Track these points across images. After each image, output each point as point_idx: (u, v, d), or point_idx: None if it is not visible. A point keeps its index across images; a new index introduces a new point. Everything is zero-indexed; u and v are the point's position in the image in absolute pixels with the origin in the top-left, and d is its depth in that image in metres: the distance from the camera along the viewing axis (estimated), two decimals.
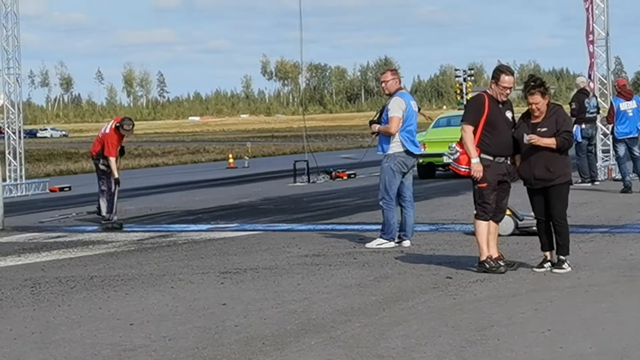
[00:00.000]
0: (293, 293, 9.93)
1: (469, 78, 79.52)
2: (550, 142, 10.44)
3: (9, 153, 27.63)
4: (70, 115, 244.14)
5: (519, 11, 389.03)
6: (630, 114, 20.70)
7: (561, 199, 10.62)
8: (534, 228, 11.43)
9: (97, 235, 16.08)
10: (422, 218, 15.70)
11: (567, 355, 7.11)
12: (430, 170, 27.09)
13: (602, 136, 24.55)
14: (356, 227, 15.69)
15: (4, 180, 24.59)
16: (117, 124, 17.33)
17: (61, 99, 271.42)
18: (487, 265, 10.65)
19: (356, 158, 36.55)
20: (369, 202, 19.59)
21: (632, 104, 20.85)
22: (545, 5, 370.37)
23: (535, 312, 8.63)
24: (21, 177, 27.87)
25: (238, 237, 15.02)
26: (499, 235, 11.21)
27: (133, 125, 17.49)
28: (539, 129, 10.51)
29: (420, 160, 25.46)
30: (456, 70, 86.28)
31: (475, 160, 10.63)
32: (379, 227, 13.47)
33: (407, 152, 13.07)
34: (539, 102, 10.52)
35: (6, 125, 27.76)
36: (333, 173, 28.95)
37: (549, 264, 10.70)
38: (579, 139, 21.86)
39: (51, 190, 28.59)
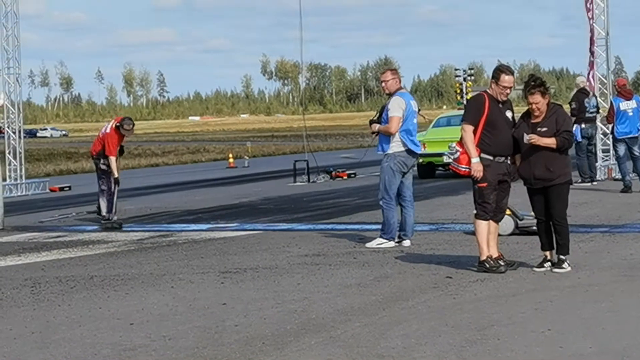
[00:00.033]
0: (293, 293, 9.93)
1: (469, 78, 79.48)
2: (551, 141, 10.44)
3: (9, 153, 27.64)
4: (70, 115, 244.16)
5: (519, 11, 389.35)
6: (630, 114, 20.70)
7: (561, 199, 10.62)
8: (534, 228, 11.43)
9: (97, 235, 16.08)
10: (422, 218, 15.70)
11: (567, 355, 7.11)
12: (430, 170, 27.08)
13: (602, 136, 24.55)
14: (356, 226, 15.69)
15: (4, 180, 24.59)
16: (118, 124, 17.34)
17: (61, 98, 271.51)
18: (487, 265, 10.65)
19: (356, 158, 36.54)
20: (369, 202, 19.59)
21: (632, 104, 20.85)
22: (545, 5, 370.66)
23: (536, 311, 8.63)
24: (21, 176, 27.88)
25: (238, 237, 15.02)
26: (499, 234, 11.21)
27: (133, 125, 17.50)
28: (539, 129, 10.51)
29: (420, 160, 25.46)
30: (456, 70, 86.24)
31: (475, 159, 10.63)
32: (379, 226, 13.47)
33: (408, 151, 13.07)
34: (539, 101, 10.52)
35: (6, 125, 27.77)
36: (333, 173, 28.95)
37: (549, 263, 10.70)
38: (579, 138, 21.86)
39: (51, 190, 28.60)
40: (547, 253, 10.76)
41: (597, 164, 23.61)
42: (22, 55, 27.58)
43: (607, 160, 24.28)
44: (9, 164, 27.66)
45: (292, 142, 70.74)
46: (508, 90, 10.80)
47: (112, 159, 17.14)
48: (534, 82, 10.53)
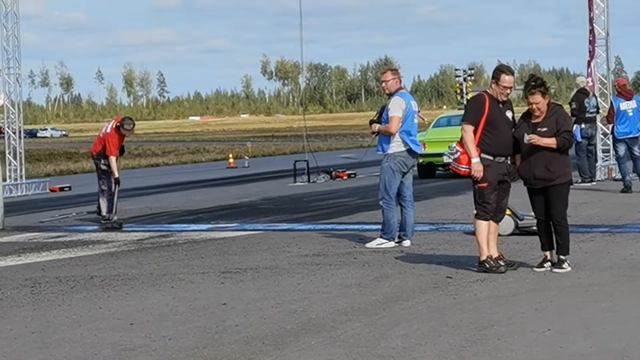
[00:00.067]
0: (293, 293, 9.93)
1: (469, 78, 79.44)
2: (551, 142, 10.44)
3: (9, 153, 27.63)
4: (70, 115, 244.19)
5: (518, 11, 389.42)
6: (631, 114, 20.71)
7: (561, 199, 10.62)
8: (534, 228, 11.43)
9: (97, 235, 16.08)
10: (422, 218, 15.70)
11: (567, 355, 7.11)
12: (430, 170, 27.08)
13: (602, 136, 24.55)
14: (356, 226, 15.69)
15: (4, 180, 24.59)
16: (118, 124, 17.34)
17: (61, 98, 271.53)
18: (487, 265, 10.65)
19: (356, 158, 36.55)
20: (369, 202, 19.59)
21: (632, 104, 20.85)
22: (545, 5, 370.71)
23: (536, 311, 8.63)
24: (21, 177, 27.87)
25: (238, 237, 15.02)
26: (499, 235, 11.21)
27: (134, 125, 17.51)
28: (539, 129, 10.51)
29: (421, 160, 25.46)
30: (456, 70, 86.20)
31: (475, 160, 10.63)
32: (379, 226, 13.47)
33: (408, 151, 13.07)
34: (539, 101, 10.52)
35: (6, 125, 27.76)
36: (333, 173, 28.95)
37: (549, 263, 10.71)
38: (579, 138, 21.87)
39: (51, 190, 28.59)
40: (547, 253, 10.77)
41: (597, 164, 23.61)
42: (22, 55, 27.62)
43: (607, 160, 24.28)
44: (9, 164, 27.66)
45: (292, 142, 70.74)
46: (508, 91, 10.80)
47: (113, 158, 17.15)
48: (535, 82, 10.53)
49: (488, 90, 10.89)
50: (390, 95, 13.21)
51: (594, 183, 22.25)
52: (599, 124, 23.91)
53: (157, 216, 19.20)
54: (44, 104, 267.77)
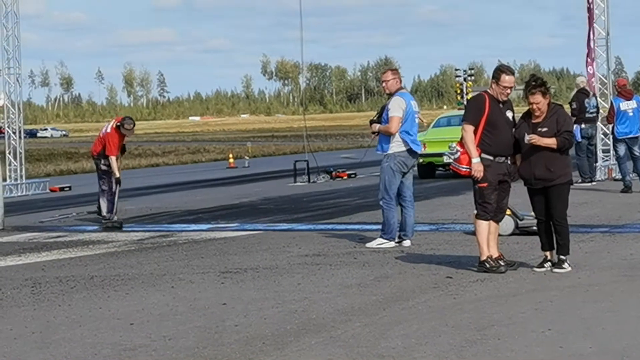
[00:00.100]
0: (293, 293, 9.93)
1: (469, 78, 79.55)
2: (551, 142, 10.44)
3: (9, 153, 27.63)
4: (70, 115, 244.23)
5: (519, 11, 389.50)
6: (631, 114, 20.71)
7: (561, 199, 10.62)
8: (534, 228, 11.44)
9: (97, 235, 16.08)
10: (422, 218, 15.70)
11: (567, 355, 7.11)
12: (431, 170, 27.08)
13: (602, 136, 24.55)
14: (356, 227, 15.69)
15: (4, 180, 24.59)
16: (118, 124, 17.36)
17: (61, 98, 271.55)
18: (488, 265, 10.65)
19: (356, 158, 36.54)
20: (369, 202, 19.59)
21: (633, 104, 20.86)
22: (545, 5, 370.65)
23: (536, 311, 8.63)
24: (21, 177, 27.87)
25: (238, 237, 15.02)
26: (499, 235, 11.21)
27: (134, 124, 17.51)
28: (539, 129, 10.51)
29: (421, 160, 25.44)
30: (456, 70, 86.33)
31: (476, 160, 10.63)
32: (379, 226, 13.47)
33: (408, 151, 13.07)
34: (539, 101, 10.52)
35: (6, 125, 27.76)
36: (333, 173, 28.96)
37: (549, 263, 10.71)
38: (579, 138, 21.87)
39: (51, 190, 28.59)
40: (548, 253, 10.77)
41: (596, 164, 23.61)
42: (22, 55, 27.63)
43: (607, 160, 24.28)
44: (9, 164, 27.65)
45: (293, 142, 70.75)
46: (508, 91, 10.80)
47: (113, 158, 17.16)
48: (535, 82, 10.53)
49: (488, 90, 10.89)
50: (391, 95, 13.21)
51: (594, 183, 22.25)
52: (599, 124, 23.91)
53: (157, 216, 19.20)
54: (44, 104, 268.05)
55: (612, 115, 20.80)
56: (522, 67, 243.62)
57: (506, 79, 10.71)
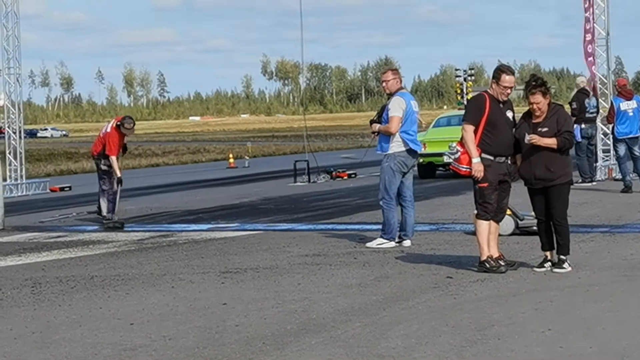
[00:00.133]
0: (293, 293, 9.93)
1: (469, 78, 79.51)
2: (551, 142, 10.44)
3: (10, 153, 27.63)
4: (70, 115, 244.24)
5: (518, 11, 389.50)
6: (631, 114, 20.71)
7: (562, 199, 10.62)
8: (535, 228, 11.44)
9: (98, 235, 16.08)
10: (422, 218, 15.70)
11: (567, 355, 7.11)
12: (431, 170, 27.07)
13: (602, 136, 24.55)
14: (356, 226, 15.69)
15: (5, 180, 24.59)
16: (118, 123, 17.35)
17: (61, 98, 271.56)
18: (488, 265, 10.65)
19: (356, 158, 36.55)
20: (369, 202, 19.59)
21: (633, 104, 20.86)
22: (545, 4, 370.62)
23: (536, 311, 8.63)
24: (21, 177, 27.87)
25: (238, 237, 15.03)
26: (500, 235, 11.21)
27: (134, 123, 17.51)
28: (540, 129, 10.51)
29: (421, 160, 25.44)
30: (456, 70, 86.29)
31: (476, 160, 10.63)
32: (380, 226, 13.47)
33: (408, 151, 13.07)
34: (540, 101, 10.52)
35: (6, 125, 27.77)
36: (333, 173, 28.96)
37: (549, 263, 10.71)
38: (579, 138, 21.87)
39: (51, 190, 28.60)
40: (548, 253, 10.77)
41: (597, 164, 23.61)
42: (22, 55, 27.64)
43: (607, 160, 24.28)
44: (10, 164, 27.66)
45: (293, 142, 70.75)
46: (509, 90, 10.80)
47: (113, 158, 17.16)
48: (535, 82, 10.53)
49: (488, 90, 10.89)
50: (391, 95, 13.21)
51: (594, 183, 22.25)
52: (599, 124, 23.91)
53: (157, 216, 19.20)
54: (44, 104, 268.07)
55: (612, 115, 20.80)
56: (522, 67, 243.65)
57: (506, 79, 10.71)
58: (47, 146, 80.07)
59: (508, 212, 12.55)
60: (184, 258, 12.88)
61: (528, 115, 10.70)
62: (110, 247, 14.33)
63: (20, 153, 27.62)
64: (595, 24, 24.34)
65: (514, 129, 10.75)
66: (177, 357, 7.43)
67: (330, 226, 16.02)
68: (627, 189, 19.87)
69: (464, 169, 10.77)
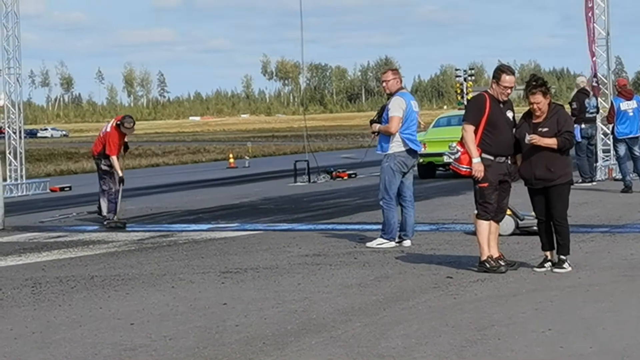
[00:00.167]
0: (293, 293, 9.93)
1: (469, 78, 79.43)
2: (552, 142, 10.44)
3: (10, 153, 27.63)
4: (70, 115, 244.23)
5: (519, 11, 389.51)
6: (631, 114, 20.71)
7: (562, 199, 10.62)
8: (535, 228, 11.43)
9: (98, 235, 16.08)
10: (422, 218, 15.70)
11: (567, 355, 7.11)
12: (431, 170, 27.07)
13: (602, 136, 24.55)
14: (357, 226, 15.69)
15: (5, 180, 24.58)
16: (118, 122, 17.34)
17: (61, 98, 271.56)
18: (488, 265, 10.65)
19: (357, 158, 36.55)
20: (369, 202, 19.59)
21: (633, 104, 20.86)
22: (545, 4, 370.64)
23: (536, 311, 8.63)
24: (22, 177, 27.87)
25: (239, 237, 15.02)
26: (500, 235, 11.21)
27: (134, 123, 17.50)
28: (540, 129, 10.51)
29: (421, 160, 25.43)
30: (456, 70, 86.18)
31: (476, 159, 10.63)
32: (380, 226, 13.47)
33: (408, 151, 13.07)
34: (540, 101, 10.52)
35: (7, 125, 27.77)
36: (333, 173, 28.95)
37: (549, 263, 10.71)
38: (579, 138, 21.86)
39: (52, 190, 28.59)
40: (548, 253, 10.77)
41: (597, 164, 23.61)
42: (22, 55, 27.63)
43: (607, 160, 24.28)
44: (10, 164, 27.65)
45: (293, 142, 70.74)
46: (509, 90, 10.80)
47: (114, 158, 17.15)
48: (536, 82, 10.53)
49: (489, 90, 10.89)
50: (391, 95, 13.21)
51: (594, 183, 22.26)
52: (599, 124, 23.91)
53: (157, 216, 19.20)
54: (44, 104, 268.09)
55: (612, 115, 20.80)
56: (522, 67, 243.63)
57: (507, 79, 10.71)
58: (47, 146, 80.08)
59: (508, 212, 12.55)
60: (184, 258, 12.88)
61: (528, 115, 10.70)
62: (110, 247, 14.33)
63: (21, 153, 27.61)
64: (595, 24, 24.34)
65: (514, 129, 10.76)
66: (177, 357, 7.43)
67: (330, 226, 16.02)
68: (627, 189, 19.87)
69: (464, 169, 10.77)
